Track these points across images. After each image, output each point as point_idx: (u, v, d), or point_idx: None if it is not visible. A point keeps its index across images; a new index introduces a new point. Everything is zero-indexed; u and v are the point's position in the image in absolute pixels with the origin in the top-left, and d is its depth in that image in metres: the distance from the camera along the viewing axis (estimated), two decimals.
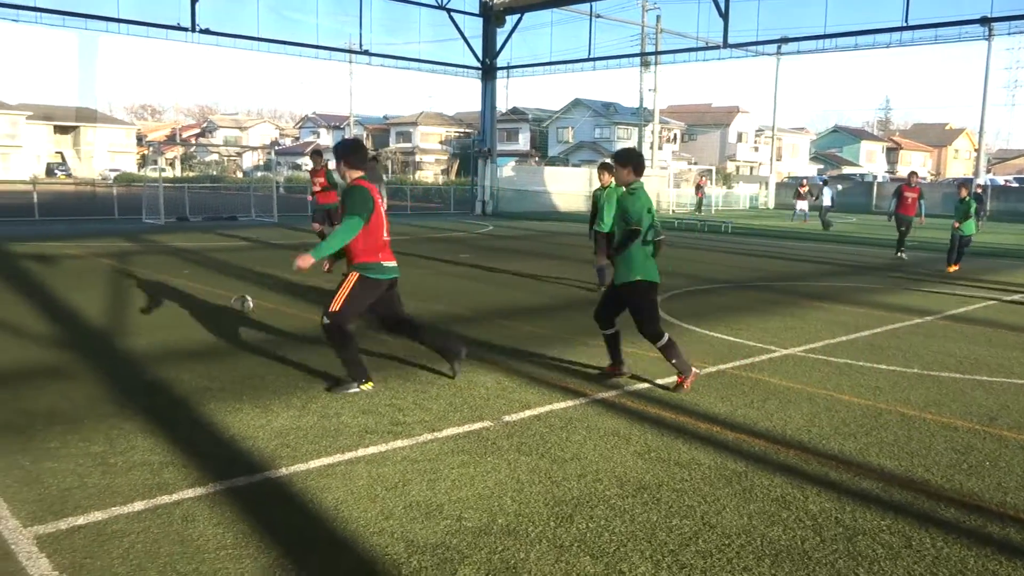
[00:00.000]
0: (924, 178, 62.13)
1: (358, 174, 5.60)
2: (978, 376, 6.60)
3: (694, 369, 6.05)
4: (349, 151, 5.61)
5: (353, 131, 65.93)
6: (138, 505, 3.73)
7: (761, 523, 3.70)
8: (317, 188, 13.73)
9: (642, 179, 5.97)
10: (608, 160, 8.79)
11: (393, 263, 5.70)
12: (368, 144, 77.87)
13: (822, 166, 73.39)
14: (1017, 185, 47.19)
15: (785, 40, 27.30)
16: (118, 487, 3.92)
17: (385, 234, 5.63)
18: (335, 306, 5.42)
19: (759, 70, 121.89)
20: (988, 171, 53.34)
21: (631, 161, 5.91)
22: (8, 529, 3.44)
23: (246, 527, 3.53)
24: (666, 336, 5.92)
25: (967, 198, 15.03)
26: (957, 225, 14.91)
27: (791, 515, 3.80)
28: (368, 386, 5.65)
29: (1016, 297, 11.58)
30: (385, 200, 18.75)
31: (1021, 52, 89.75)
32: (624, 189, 5.98)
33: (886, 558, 3.39)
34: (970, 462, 4.58)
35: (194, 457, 4.35)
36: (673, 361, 5.93)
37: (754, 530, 3.63)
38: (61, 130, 76.86)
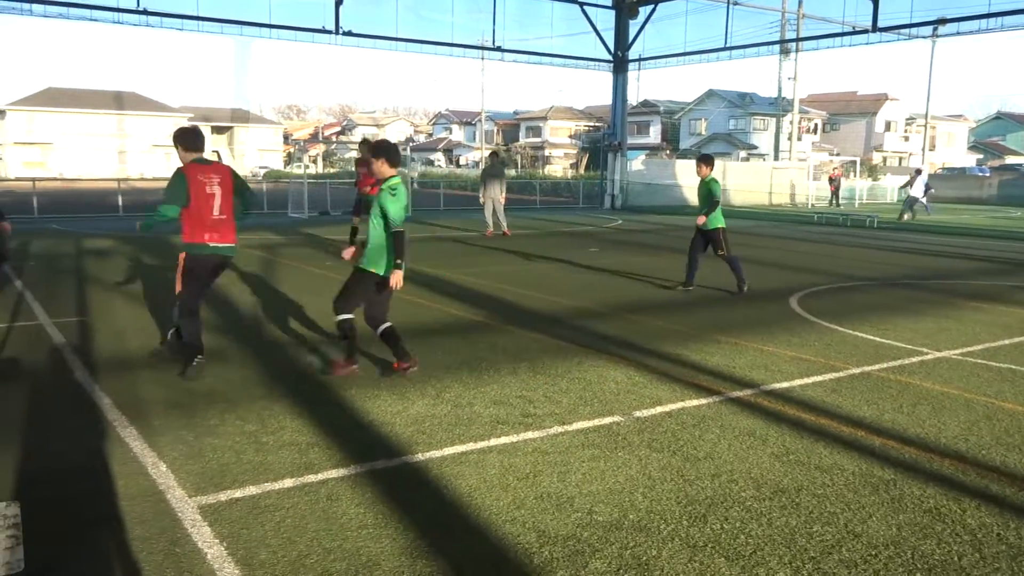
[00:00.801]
0: None
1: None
2: None
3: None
4: (389, 150, 5.72)
5: (484, 127, 67.00)
6: (288, 482, 3.95)
7: (912, 535, 3.49)
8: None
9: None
10: (706, 153, 8.50)
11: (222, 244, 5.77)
12: (498, 139, 78.99)
13: (981, 156, 68.08)
14: None
15: (943, 21, 25.41)
16: (270, 464, 4.17)
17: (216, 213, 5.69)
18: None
19: (911, 54, 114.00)
20: None
21: (384, 153, 5.67)
22: (175, 498, 3.74)
23: (385, 508, 3.68)
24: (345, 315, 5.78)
25: None
26: None
27: (946, 528, 3.56)
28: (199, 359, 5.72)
29: None
30: (504, 194, 18.61)
31: None
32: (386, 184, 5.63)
33: None
34: None
35: (337, 439, 4.56)
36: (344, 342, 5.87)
37: (904, 542, 3.42)
38: (218, 130, 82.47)
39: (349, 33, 24.22)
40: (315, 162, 79.80)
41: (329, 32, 23.96)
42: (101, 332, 7.35)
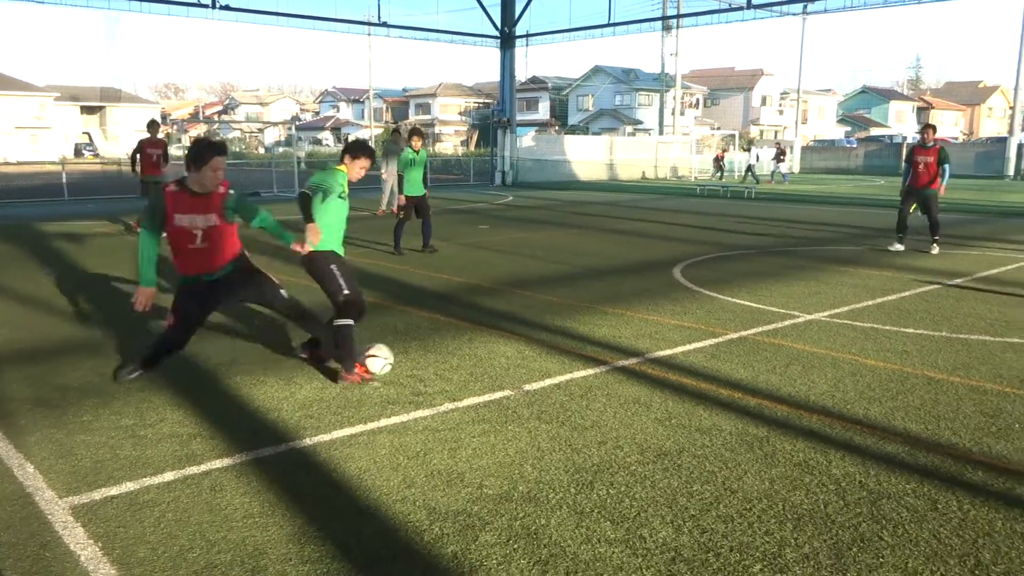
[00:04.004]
0: (956, 138, 60.86)
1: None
2: (1009, 338, 6.50)
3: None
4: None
5: (372, 104, 65.77)
6: (168, 475, 3.80)
7: (783, 487, 3.70)
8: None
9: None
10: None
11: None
12: (387, 117, 77.76)
13: (849, 128, 72.09)
14: None
15: None
16: (149, 458, 4.00)
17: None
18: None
19: (784, 31, 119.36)
20: None
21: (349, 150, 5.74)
22: (44, 500, 3.53)
23: (272, 496, 3.60)
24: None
25: None
26: None
27: (814, 479, 3.79)
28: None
29: None
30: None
31: None
32: None
33: (911, 521, 3.38)
34: (999, 425, 4.53)
35: (221, 428, 4.42)
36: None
37: (776, 494, 3.62)
38: (88, 111, 77.53)
39: (226, 7, 23.22)
40: None
41: (205, 6, 22.89)
42: None
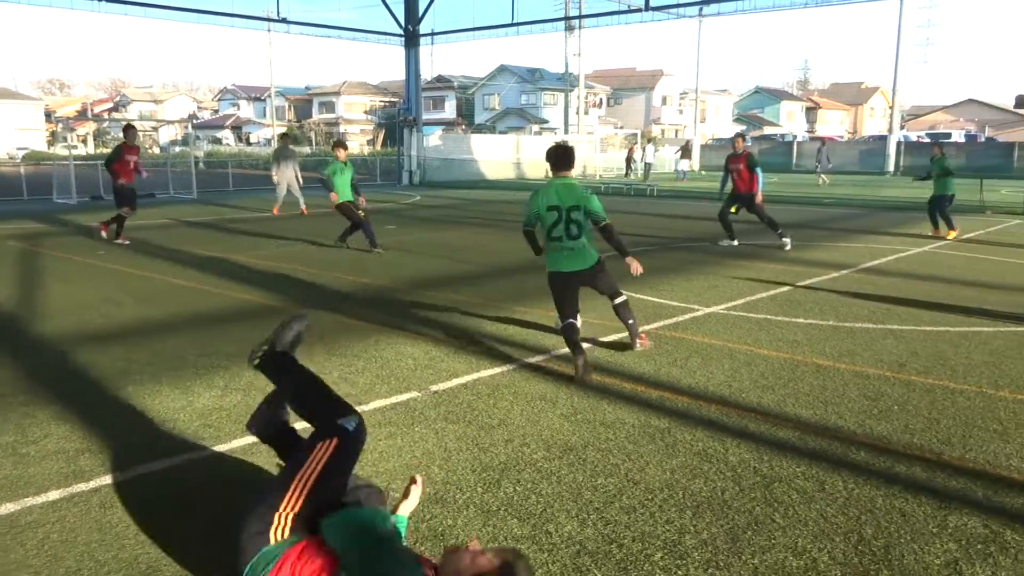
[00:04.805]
0: (841, 136, 64.09)
1: None
2: (889, 325, 6.90)
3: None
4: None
5: (274, 102, 64.09)
6: (53, 494, 3.61)
7: (683, 477, 3.81)
8: None
9: None
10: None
11: None
12: (290, 116, 75.97)
13: (744, 127, 74.85)
14: (929, 140, 49.08)
15: (706, 2, 27.59)
16: (31, 477, 3.79)
17: None
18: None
19: (683, 32, 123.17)
20: (902, 127, 55.26)
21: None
22: None
23: (168, 510, 3.46)
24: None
25: (939, 156, 13.79)
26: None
27: (712, 467, 3.93)
28: None
29: (926, 248, 12.10)
30: (299, 175, 18.35)
31: (933, 10, 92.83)
32: None
33: (800, 503, 3.54)
34: (880, 407, 4.80)
35: (112, 442, 4.22)
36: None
37: (676, 484, 3.74)
38: None
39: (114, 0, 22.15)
40: (84, 142, 72.60)
41: None
42: None
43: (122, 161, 12.50)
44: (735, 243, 12.37)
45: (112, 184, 12.80)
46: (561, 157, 5.86)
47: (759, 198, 11.87)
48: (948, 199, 13.50)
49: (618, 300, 6.09)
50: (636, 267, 6.00)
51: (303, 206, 17.55)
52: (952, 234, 13.39)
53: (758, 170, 11.86)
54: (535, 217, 5.86)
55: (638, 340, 6.09)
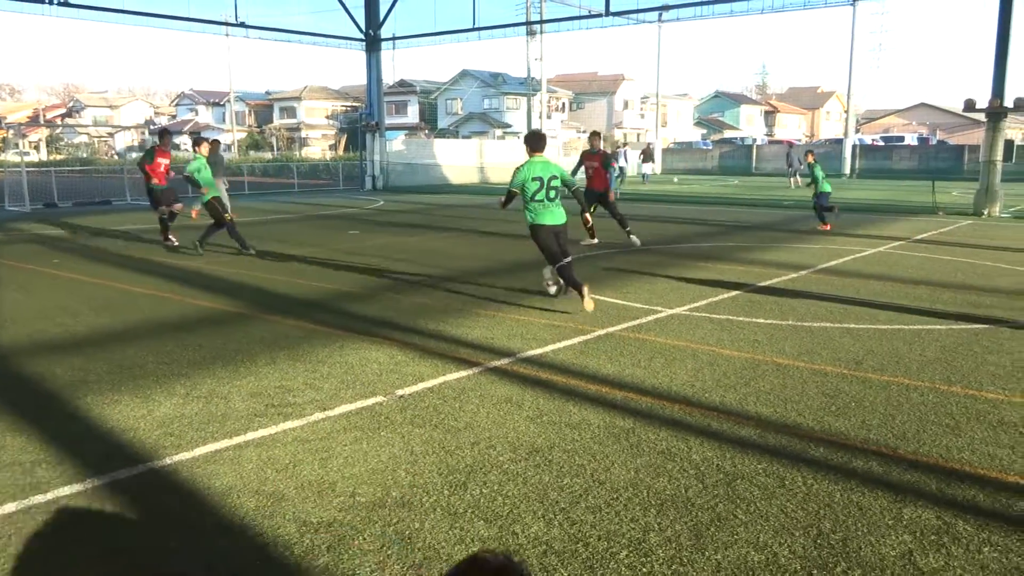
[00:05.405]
0: (799, 139, 65.23)
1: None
2: (846, 324, 7.05)
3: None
4: None
5: (234, 107, 63.30)
6: (9, 507, 3.53)
7: (648, 476, 3.86)
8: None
9: None
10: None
11: None
12: (250, 121, 75.10)
13: (705, 131, 75.80)
14: (883, 144, 50.20)
15: (666, 7, 27.96)
16: None
17: None
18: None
19: (643, 37, 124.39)
20: (857, 131, 56.44)
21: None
22: None
23: (127, 521, 3.41)
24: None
25: (813, 163, 15.58)
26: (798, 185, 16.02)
27: (676, 466, 3.98)
28: None
29: (881, 248, 12.38)
30: (226, 182, 18.20)
31: (885, 17, 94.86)
32: None
33: (762, 499, 3.61)
34: (838, 404, 4.91)
35: (70, 453, 4.14)
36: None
37: (641, 483, 3.78)
38: None
39: (66, 3, 21.73)
40: (36, 148, 70.96)
41: (42, 2, 21.32)
42: None
43: (154, 164, 12.92)
44: (596, 241, 12.66)
45: (145, 185, 13.31)
46: (539, 140, 7.76)
47: (612, 196, 12.70)
48: (825, 196, 15.20)
49: (567, 260, 7.65)
50: (587, 217, 9.26)
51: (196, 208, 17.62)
52: (828, 228, 15.01)
53: (611, 169, 12.71)
54: (519, 185, 7.59)
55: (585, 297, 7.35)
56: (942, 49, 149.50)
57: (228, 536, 3.28)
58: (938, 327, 6.95)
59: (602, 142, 12.80)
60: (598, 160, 12.54)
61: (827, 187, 15.21)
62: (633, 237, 12.56)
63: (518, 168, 7.68)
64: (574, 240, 9.40)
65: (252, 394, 5.09)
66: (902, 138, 52.22)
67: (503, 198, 7.88)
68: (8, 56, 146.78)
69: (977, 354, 6.04)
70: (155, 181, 12.83)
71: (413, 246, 13.03)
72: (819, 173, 15.24)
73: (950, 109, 68.18)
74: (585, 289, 7.36)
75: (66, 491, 3.69)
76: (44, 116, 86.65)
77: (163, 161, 12.94)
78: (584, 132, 58.64)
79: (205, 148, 12.20)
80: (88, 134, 79.58)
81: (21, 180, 22.18)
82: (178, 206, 13.01)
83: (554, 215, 7.62)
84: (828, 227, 15.06)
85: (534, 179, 7.49)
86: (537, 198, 7.53)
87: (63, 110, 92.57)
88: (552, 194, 7.54)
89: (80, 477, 3.84)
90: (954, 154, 43.73)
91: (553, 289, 8.03)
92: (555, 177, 7.54)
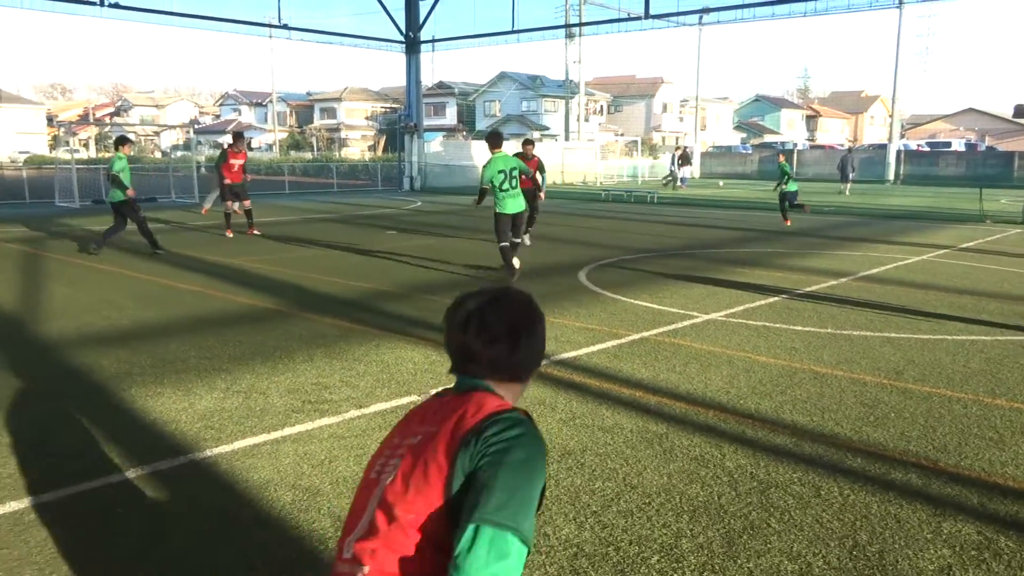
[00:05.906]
0: (842, 144, 64.20)
1: None
2: (887, 333, 6.94)
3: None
4: None
5: (276, 108, 64.24)
6: (57, 493, 3.64)
7: (680, 481, 3.85)
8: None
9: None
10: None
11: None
12: (291, 121, 76.06)
13: (745, 135, 75.00)
14: (928, 150, 49.16)
15: (706, 11, 27.72)
16: (35, 476, 3.82)
17: None
18: None
19: (683, 40, 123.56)
20: (902, 136, 55.35)
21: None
22: None
23: (170, 509, 3.50)
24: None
25: (783, 162, 17.32)
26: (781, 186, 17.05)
27: (709, 472, 3.96)
28: None
29: (925, 256, 12.15)
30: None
31: (932, 20, 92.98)
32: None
33: (796, 508, 3.57)
34: (876, 414, 4.84)
35: (115, 443, 4.26)
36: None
37: (673, 488, 3.77)
38: None
39: (116, 5, 22.24)
40: (86, 146, 72.73)
41: (93, 3, 21.86)
42: None
43: (227, 164, 14.29)
44: (528, 243, 12.84)
45: (218, 182, 14.72)
46: (498, 138, 9.55)
47: (541, 197, 13.05)
48: (792, 195, 16.80)
49: (516, 241, 9.42)
50: (541, 196, 11.65)
51: (206, 207, 18.14)
52: (788, 223, 16.72)
53: (542, 175, 13.11)
54: (489, 180, 9.20)
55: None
56: (991, 53, 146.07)
57: (265, 529, 3.35)
58: (983, 338, 6.80)
59: (532, 148, 13.23)
60: (533, 166, 12.73)
61: (793, 187, 16.83)
62: (525, 237, 12.53)
63: (486, 165, 9.16)
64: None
65: (290, 390, 5.17)
66: (949, 144, 51.05)
67: (476, 197, 9.42)
68: (60, 56, 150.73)
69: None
70: (228, 180, 14.31)
71: (449, 247, 13.11)
72: (788, 170, 16.84)
73: (999, 115, 66.61)
74: (516, 268, 9.40)
75: (112, 480, 3.79)
76: (94, 115, 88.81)
77: (236, 161, 14.36)
78: (622, 135, 58.45)
79: (128, 148, 12.17)
80: (135, 132, 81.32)
81: (71, 177, 22.76)
82: (247, 203, 14.47)
83: (516, 204, 9.29)
84: (789, 223, 16.78)
85: (499, 172, 9.10)
86: (504, 188, 9.16)
87: (112, 109, 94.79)
88: (514, 183, 9.25)
89: (125, 467, 3.94)
90: (1003, 161, 42.59)
91: (517, 263, 9.53)
92: (515, 168, 9.26)
